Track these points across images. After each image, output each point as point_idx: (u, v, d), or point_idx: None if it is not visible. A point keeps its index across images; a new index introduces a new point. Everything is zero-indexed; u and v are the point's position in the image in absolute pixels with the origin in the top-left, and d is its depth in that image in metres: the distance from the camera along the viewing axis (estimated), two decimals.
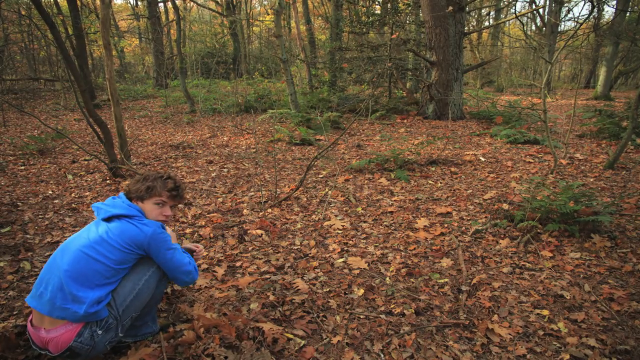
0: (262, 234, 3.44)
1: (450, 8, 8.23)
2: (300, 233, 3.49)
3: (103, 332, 1.72)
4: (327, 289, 2.56)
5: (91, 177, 5.35)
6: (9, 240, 3.27)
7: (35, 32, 14.19)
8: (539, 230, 3.27)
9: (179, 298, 2.44)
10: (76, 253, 1.73)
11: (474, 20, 22.33)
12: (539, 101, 11.78)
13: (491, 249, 3.10)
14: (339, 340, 2.06)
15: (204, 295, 2.47)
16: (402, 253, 3.08)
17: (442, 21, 8.93)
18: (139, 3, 24.43)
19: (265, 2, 29.75)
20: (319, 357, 1.95)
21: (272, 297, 2.43)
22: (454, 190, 4.50)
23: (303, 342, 2.04)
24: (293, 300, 2.40)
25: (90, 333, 1.70)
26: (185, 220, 3.78)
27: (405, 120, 9.49)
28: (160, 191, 1.96)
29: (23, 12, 13.96)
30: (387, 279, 2.70)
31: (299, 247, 3.23)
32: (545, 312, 2.27)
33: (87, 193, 4.66)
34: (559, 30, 16.24)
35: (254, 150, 6.90)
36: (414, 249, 3.14)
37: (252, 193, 4.60)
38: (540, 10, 20.34)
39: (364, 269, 2.84)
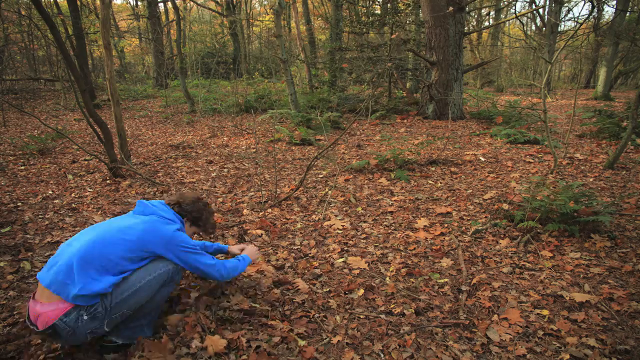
0: (262, 234, 3.44)
1: (451, 8, 8.22)
2: (300, 233, 3.49)
3: (89, 318, 1.73)
4: (327, 289, 2.56)
5: (91, 177, 5.35)
6: (9, 240, 3.27)
7: (35, 32, 14.19)
8: (538, 230, 3.27)
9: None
10: (95, 237, 1.82)
11: (474, 20, 22.32)
12: (539, 101, 11.78)
13: (491, 249, 3.11)
14: (339, 340, 2.06)
15: None
16: (402, 253, 3.08)
17: (442, 21, 8.92)
18: (139, 3, 24.43)
19: (265, 2, 29.75)
20: (319, 357, 1.95)
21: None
22: (454, 190, 4.50)
23: (303, 342, 2.04)
24: (293, 300, 2.41)
25: (77, 316, 1.72)
26: None
27: (405, 120, 9.49)
28: (206, 229, 2.27)
29: (23, 12, 13.97)
30: (387, 279, 2.70)
31: (299, 247, 3.23)
32: (545, 312, 2.27)
33: (87, 193, 4.66)
34: (559, 30, 16.23)
35: (254, 150, 6.90)
36: (414, 249, 3.14)
37: (252, 193, 4.60)
38: (540, 10, 20.37)
39: (364, 269, 2.84)
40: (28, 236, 3.38)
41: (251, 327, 2.12)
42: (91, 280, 1.73)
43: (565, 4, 18.26)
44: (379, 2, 15.85)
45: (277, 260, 2.99)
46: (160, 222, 1.97)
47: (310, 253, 3.11)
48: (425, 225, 3.56)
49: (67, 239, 3.28)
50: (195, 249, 2.00)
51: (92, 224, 3.66)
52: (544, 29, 18.80)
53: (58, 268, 1.75)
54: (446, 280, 2.66)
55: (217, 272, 2.07)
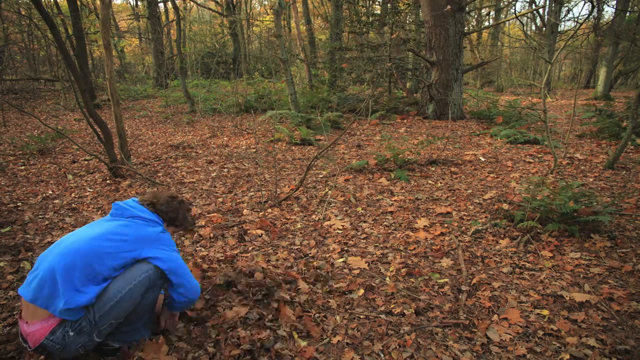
0: (262, 234, 3.44)
1: (449, 7, 8.22)
2: (300, 233, 3.49)
3: (75, 334, 1.69)
4: (327, 289, 2.56)
5: (91, 177, 5.35)
6: (9, 240, 3.27)
7: (35, 32, 14.19)
8: (538, 230, 3.27)
9: None
10: (75, 245, 1.75)
11: (474, 20, 22.33)
12: (539, 101, 11.78)
13: (491, 249, 3.11)
14: (339, 340, 2.06)
15: None
16: (402, 253, 3.08)
17: (442, 21, 8.92)
18: (139, 3, 24.43)
19: (265, 2, 29.76)
20: (319, 357, 1.95)
21: None
22: (454, 190, 4.50)
23: (304, 342, 2.04)
24: (294, 300, 2.40)
25: (63, 333, 1.68)
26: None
27: (405, 120, 9.49)
28: (185, 227, 2.20)
29: (23, 12, 13.96)
30: (387, 279, 2.70)
31: (299, 247, 3.23)
32: (545, 312, 2.27)
33: (87, 193, 4.66)
34: (559, 30, 16.23)
35: (254, 150, 6.90)
36: (414, 249, 3.14)
37: (252, 193, 4.60)
38: (540, 10, 20.37)
39: (364, 269, 2.84)
40: (28, 236, 3.38)
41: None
42: (75, 292, 1.67)
43: (565, 4, 18.27)
44: (379, 2, 15.85)
45: (277, 260, 2.99)
46: (142, 223, 1.90)
47: (310, 253, 3.11)
48: (425, 225, 3.56)
49: (68, 234, 3.29)
50: (178, 251, 1.94)
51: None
52: (544, 29, 18.80)
53: (41, 280, 1.69)
54: (446, 280, 2.66)
55: (192, 281, 1.94)
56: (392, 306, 2.37)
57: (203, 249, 3.17)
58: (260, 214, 3.93)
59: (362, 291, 2.52)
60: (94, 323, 1.71)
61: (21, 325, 1.72)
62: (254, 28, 27.35)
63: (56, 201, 4.36)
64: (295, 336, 2.08)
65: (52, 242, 3.28)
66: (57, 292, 1.67)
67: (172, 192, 2.17)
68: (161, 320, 2.04)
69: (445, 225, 3.57)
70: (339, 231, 3.51)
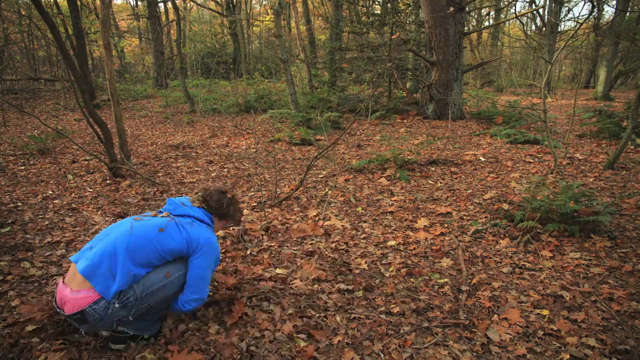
0: (262, 234, 3.43)
1: (451, 9, 8.22)
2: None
3: (120, 306, 1.77)
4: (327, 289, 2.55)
5: (91, 177, 5.35)
6: (9, 240, 3.27)
7: (35, 32, 14.19)
8: (539, 230, 3.27)
9: None
10: (138, 230, 1.86)
11: (474, 20, 22.32)
12: (539, 101, 11.78)
13: (491, 249, 3.11)
14: (339, 341, 2.06)
15: None
16: (402, 253, 3.08)
17: (442, 21, 8.92)
18: (139, 3, 24.43)
19: (265, 2, 29.75)
20: (319, 357, 1.95)
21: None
22: (454, 190, 4.50)
23: (306, 343, 2.04)
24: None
25: (108, 304, 1.75)
26: None
27: (405, 120, 9.49)
28: (235, 221, 2.27)
29: (23, 12, 13.97)
30: (387, 278, 2.70)
31: (299, 246, 3.22)
32: (545, 312, 2.27)
33: (87, 193, 4.66)
34: (559, 30, 16.23)
35: (254, 150, 6.90)
36: (414, 249, 3.14)
37: (252, 193, 4.60)
38: (540, 10, 20.36)
39: (364, 269, 2.84)
40: (28, 236, 3.38)
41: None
42: (128, 273, 1.77)
43: (565, 4, 18.26)
44: (379, 2, 15.85)
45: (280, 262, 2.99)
46: (201, 226, 2.01)
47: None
48: (425, 225, 3.56)
49: (67, 239, 3.29)
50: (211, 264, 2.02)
51: (92, 224, 3.66)
52: (544, 29, 18.80)
53: (100, 254, 1.78)
54: (446, 280, 2.66)
55: (202, 297, 2.00)
56: (392, 306, 2.37)
57: None
58: (260, 213, 3.93)
59: (362, 291, 2.52)
60: (139, 299, 1.80)
61: (60, 290, 1.79)
62: (254, 28, 27.35)
63: (56, 201, 4.36)
64: (295, 337, 2.08)
65: (52, 242, 3.28)
66: (115, 271, 1.76)
67: (221, 186, 2.24)
68: None
69: (445, 225, 3.57)
70: (339, 231, 3.51)
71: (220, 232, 3.46)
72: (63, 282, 1.82)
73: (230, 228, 3.50)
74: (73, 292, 1.75)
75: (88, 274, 1.75)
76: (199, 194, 2.18)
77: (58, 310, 1.80)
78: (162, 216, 2.00)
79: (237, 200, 2.27)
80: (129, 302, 1.78)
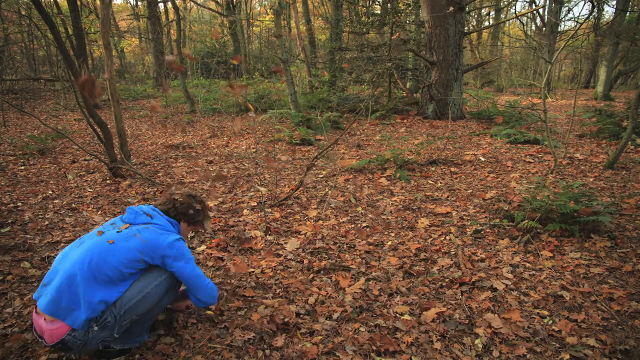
0: (262, 234, 3.43)
1: (451, 9, 8.22)
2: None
3: (99, 329, 1.72)
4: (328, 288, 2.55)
5: (91, 177, 5.35)
6: (9, 240, 3.27)
7: (35, 32, 14.19)
8: (539, 230, 3.27)
9: None
10: (90, 251, 1.77)
11: (474, 20, 22.33)
12: (539, 101, 11.77)
13: (491, 249, 3.11)
14: (340, 341, 2.06)
15: None
16: (402, 253, 3.08)
17: (442, 21, 8.92)
18: (139, 3, 24.43)
19: (265, 2, 29.75)
20: (322, 358, 1.95)
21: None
22: (454, 190, 4.50)
23: (308, 344, 2.04)
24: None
25: (85, 330, 1.70)
26: None
27: (405, 120, 9.49)
28: (204, 226, 2.22)
29: (23, 12, 13.96)
30: (387, 278, 2.70)
31: (299, 247, 3.22)
32: (545, 312, 2.27)
33: (87, 193, 4.66)
34: (559, 30, 16.23)
35: (254, 150, 6.90)
36: (414, 248, 3.14)
37: (252, 193, 4.60)
38: (540, 10, 20.37)
39: (362, 271, 2.84)
40: (28, 236, 3.38)
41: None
42: (92, 299, 1.70)
43: (565, 4, 18.26)
44: (379, 2, 15.85)
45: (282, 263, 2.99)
46: (158, 231, 1.91)
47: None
48: (425, 225, 3.56)
49: (67, 239, 3.29)
50: (191, 259, 1.94)
51: (92, 224, 3.66)
52: (544, 29, 18.80)
53: (59, 289, 1.70)
54: (446, 280, 2.66)
55: (208, 287, 1.96)
56: (392, 306, 2.36)
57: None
58: (260, 213, 3.93)
59: (361, 291, 2.52)
60: (118, 317, 1.75)
61: (37, 321, 1.73)
62: (254, 28, 27.35)
63: (56, 201, 4.36)
64: (299, 335, 2.08)
65: (52, 242, 3.28)
66: (78, 301, 1.69)
67: (188, 190, 2.17)
68: (179, 303, 2.17)
69: (445, 225, 3.57)
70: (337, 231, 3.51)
71: (219, 232, 3.46)
72: (36, 311, 1.75)
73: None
74: (47, 322, 1.69)
75: (51, 312, 1.69)
76: (164, 198, 2.10)
77: (39, 339, 1.74)
78: (121, 228, 1.90)
79: (205, 203, 2.21)
80: (108, 322, 1.73)
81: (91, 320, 1.71)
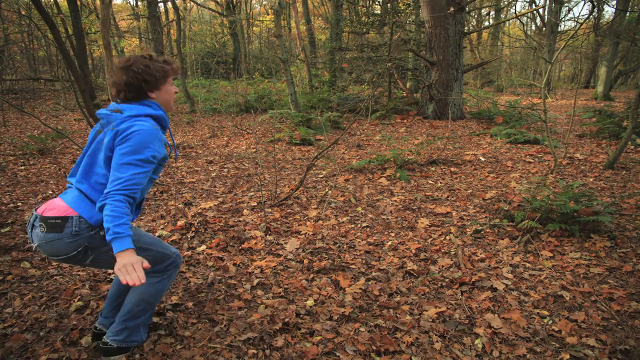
0: (261, 234, 3.43)
1: (452, 9, 8.22)
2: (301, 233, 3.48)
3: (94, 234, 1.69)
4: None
5: None
6: (9, 240, 3.27)
7: (35, 32, 14.19)
8: (539, 230, 3.27)
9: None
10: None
11: (474, 20, 22.32)
12: (539, 101, 11.78)
13: (491, 249, 3.11)
14: (340, 341, 2.06)
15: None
16: (402, 253, 3.08)
17: (442, 21, 8.92)
18: (139, 3, 24.43)
19: (265, 2, 29.75)
20: (320, 358, 1.95)
21: None
22: (454, 190, 4.50)
23: (308, 344, 2.04)
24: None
25: (90, 228, 1.67)
26: (185, 220, 3.78)
27: (405, 120, 9.49)
28: (174, 68, 1.91)
29: (23, 12, 13.96)
30: (387, 278, 2.70)
31: (299, 246, 3.22)
32: (545, 312, 2.27)
33: None
34: (559, 30, 16.23)
35: (254, 150, 6.90)
36: (414, 249, 3.14)
37: (252, 193, 4.60)
38: (540, 10, 20.36)
39: (362, 271, 2.84)
40: (28, 236, 3.38)
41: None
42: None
43: (565, 4, 18.25)
44: (379, 2, 15.85)
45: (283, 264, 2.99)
46: (132, 118, 1.73)
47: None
48: (425, 225, 3.56)
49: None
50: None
51: None
52: (544, 29, 18.79)
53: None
54: (446, 280, 2.66)
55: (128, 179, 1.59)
56: (392, 306, 2.36)
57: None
58: (260, 213, 3.93)
59: (361, 291, 2.52)
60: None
61: (51, 201, 1.78)
62: (254, 28, 27.35)
63: None
64: (299, 335, 2.08)
65: None
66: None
67: (137, 55, 1.81)
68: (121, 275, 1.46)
69: (445, 225, 3.57)
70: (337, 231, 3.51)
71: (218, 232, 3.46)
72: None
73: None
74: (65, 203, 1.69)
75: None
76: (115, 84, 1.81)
77: (29, 227, 1.73)
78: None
79: (157, 59, 1.84)
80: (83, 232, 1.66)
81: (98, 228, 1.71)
